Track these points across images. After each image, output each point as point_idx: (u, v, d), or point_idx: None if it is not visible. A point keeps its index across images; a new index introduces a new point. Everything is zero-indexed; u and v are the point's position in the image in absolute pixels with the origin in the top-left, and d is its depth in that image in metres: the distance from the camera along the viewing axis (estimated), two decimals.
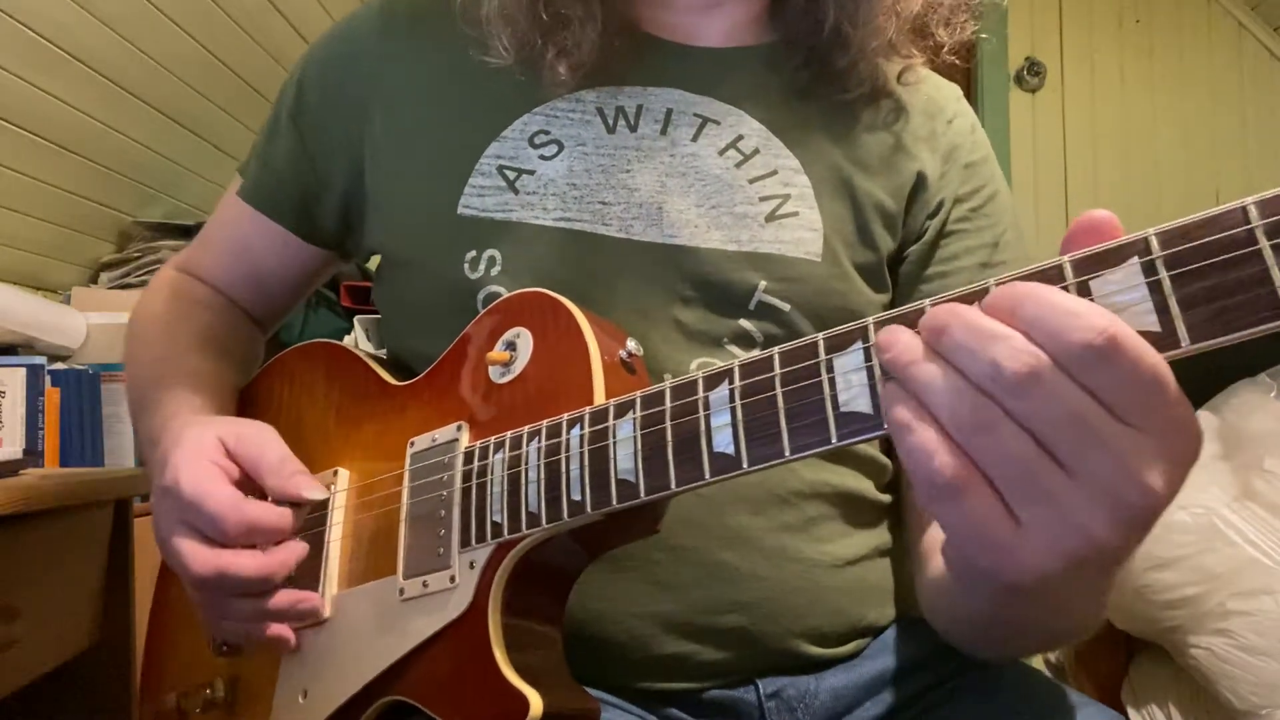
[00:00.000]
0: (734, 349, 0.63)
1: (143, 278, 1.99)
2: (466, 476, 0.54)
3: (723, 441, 0.43)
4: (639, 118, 0.67)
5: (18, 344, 1.68)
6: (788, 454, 0.41)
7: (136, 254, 2.01)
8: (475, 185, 0.65)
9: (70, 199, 1.88)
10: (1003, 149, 2.71)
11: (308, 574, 0.60)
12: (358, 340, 1.95)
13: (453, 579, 0.53)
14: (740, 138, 0.67)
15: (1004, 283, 0.36)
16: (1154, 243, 0.33)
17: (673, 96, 0.68)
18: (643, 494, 0.46)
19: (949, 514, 0.35)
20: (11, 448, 1.42)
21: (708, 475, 0.44)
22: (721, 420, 0.44)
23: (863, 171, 0.68)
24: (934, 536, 0.61)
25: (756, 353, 0.44)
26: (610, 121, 0.67)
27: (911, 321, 0.38)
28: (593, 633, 0.59)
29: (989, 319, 0.34)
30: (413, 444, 0.59)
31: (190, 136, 2.08)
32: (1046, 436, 0.33)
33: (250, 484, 0.58)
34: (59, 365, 1.68)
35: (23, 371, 1.53)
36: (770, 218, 0.65)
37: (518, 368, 0.56)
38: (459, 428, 0.57)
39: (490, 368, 0.57)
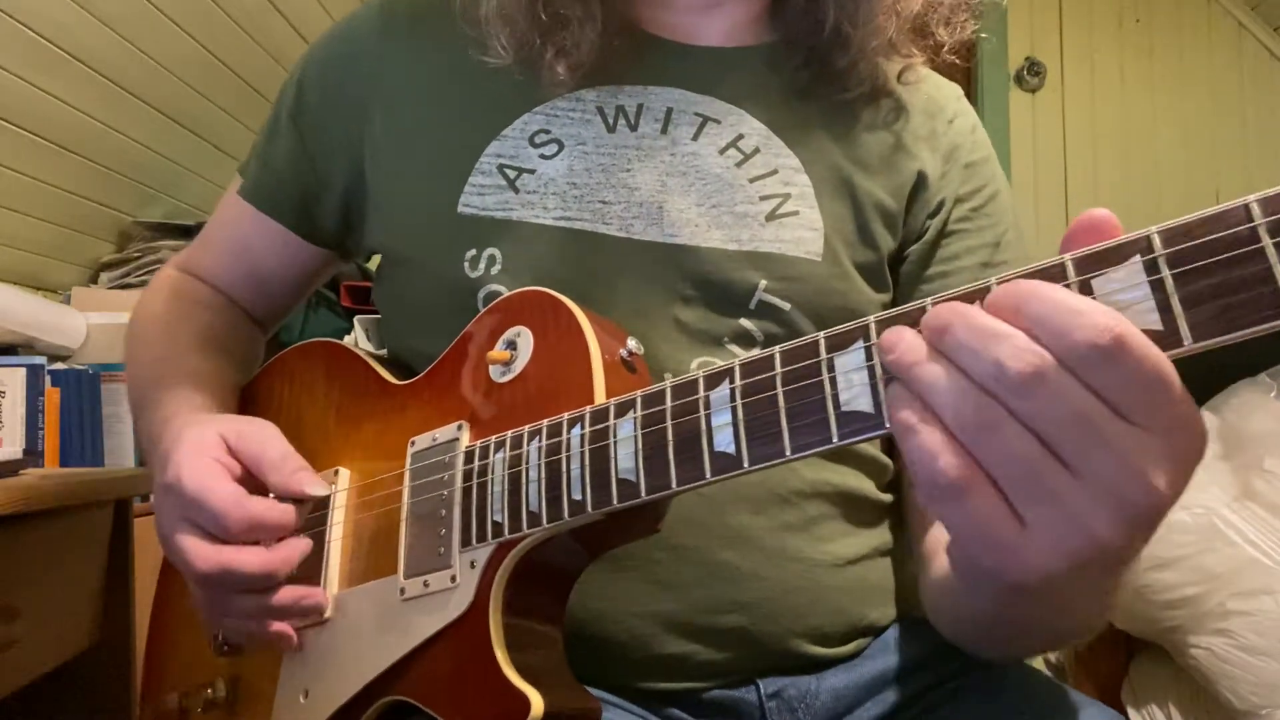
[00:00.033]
0: (734, 348, 0.63)
1: (143, 278, 1.99)
2: (467, 476, 0.54)
3: (723, 441, 0.43)
4: (639, 117, 0.67)
5: (18, 344, 1.68)
6: (789, 453, 0.41)
7: (136, 254, 2.01)
8: (475, 184, 0.65)
9: (70, 199, 1.88)
10: (1003, 149, 2.71)
11: (309, 574, 0.60)
12: (358, 340, 1.95)
13: (454, 578, 0.53)
14: (741, 137, 0.67)
15: (1006, 281, 0.35)
16: (1156, 241, 0.33)
17: (673, 96, 0.67)
18: (643, 493, 0.46)
19: (953, 514, 0.35)
20: (11, 448, 1.42)
21: (708, 474, 0.44)
22: (722, 419, 0.44)
23: (863, 171, 0.68)
24: (937, 536, 0.61)
25: (757, 352, 0.44)
26: (610, 121, 0.66)
27: (913, 320, 0.37)
28: (594, 632, 0.59)
29: (992, 318, 0.34)
30: (413, 443, 0.59)
31: (190, 136, 2.08)
32: (1050, 436, 0.33)
33: (252, 481, 0.58)
34: (59, 365, 1.68)
35: (23, 371, 1.53)
36: (771, 217, 0.65)
37: (518, 367, 0.56)
38: (459, 427, 0.57)
39: (491, 367, 0.57)
